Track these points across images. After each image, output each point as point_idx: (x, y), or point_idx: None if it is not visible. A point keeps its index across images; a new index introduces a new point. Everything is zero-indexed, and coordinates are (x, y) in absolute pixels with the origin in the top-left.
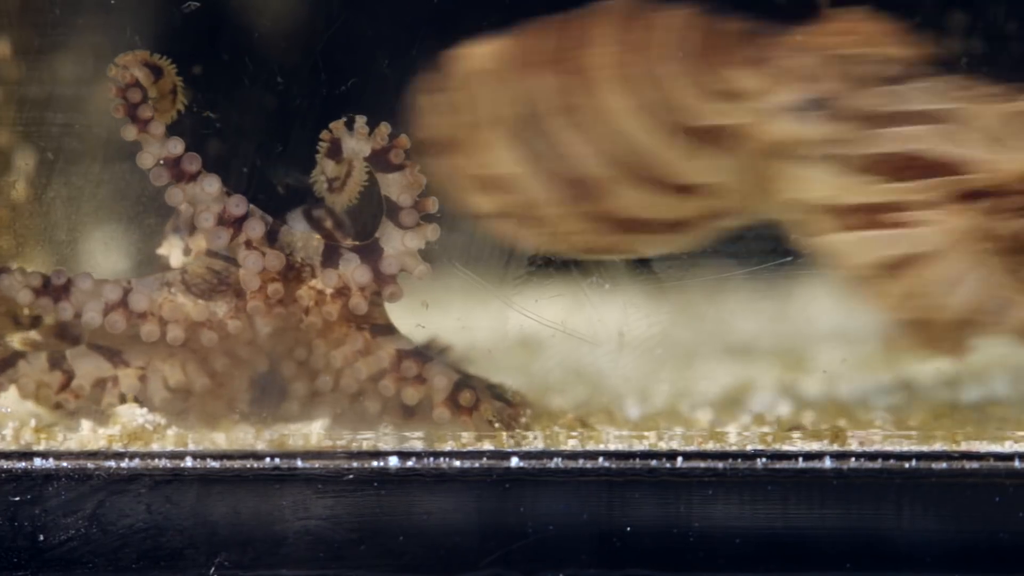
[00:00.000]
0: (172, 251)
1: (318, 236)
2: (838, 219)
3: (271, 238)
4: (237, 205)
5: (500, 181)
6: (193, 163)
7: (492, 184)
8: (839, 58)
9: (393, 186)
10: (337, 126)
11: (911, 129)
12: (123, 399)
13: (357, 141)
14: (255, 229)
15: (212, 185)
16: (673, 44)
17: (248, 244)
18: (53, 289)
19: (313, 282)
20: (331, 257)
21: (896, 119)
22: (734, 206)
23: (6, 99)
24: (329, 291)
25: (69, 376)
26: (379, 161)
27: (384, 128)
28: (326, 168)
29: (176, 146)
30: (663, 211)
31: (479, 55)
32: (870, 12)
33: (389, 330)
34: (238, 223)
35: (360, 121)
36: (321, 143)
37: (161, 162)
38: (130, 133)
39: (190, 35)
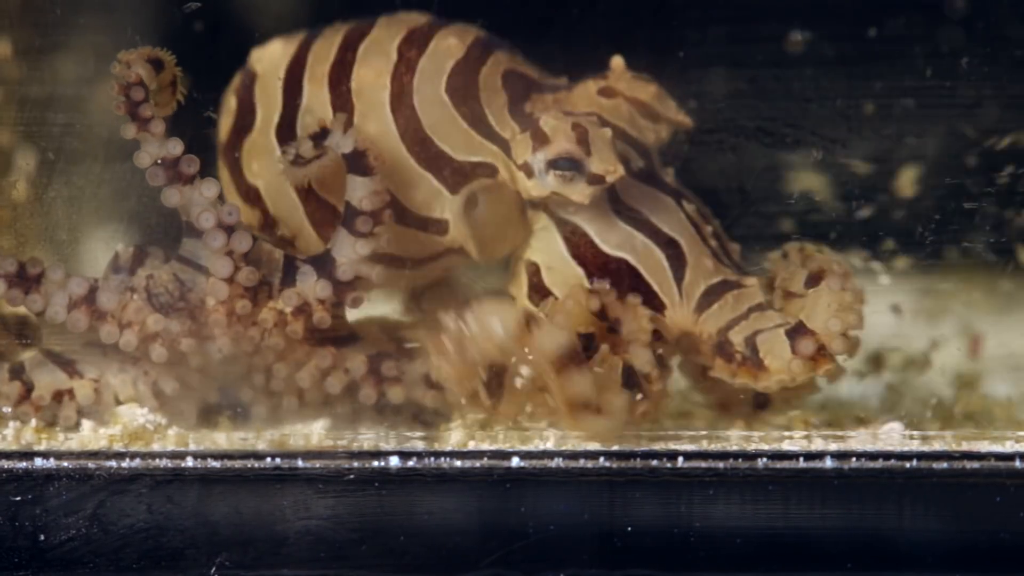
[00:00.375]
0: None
1: (279, 250)
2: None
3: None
4: (229, 214)
5: (255, 192)
6: (191, 165)
7: (251, 194)
8: (611, 118)
9: (359, 190)
10: (337, 119)
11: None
12: (79, 412)
13: (344, 137)
14: (242, 243)
15: (211, 190)
16: (444, 72)
17: (229, 254)
18: (26, 279)
19: (272, 303)
20: (289, 272)
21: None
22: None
23: (7, 99)
24: (289, 310)
25: (28, 387)
26: (356, 162)
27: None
28: (303, 146)
29: (175, 147)
30: (408, 245)
31: (266, 57)
32: (648, 77)
33: (353, 339)
34: (228, 231)
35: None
36: (311, 125)
37: (159, 162)
38: (130, 131)
39: (191, 34)
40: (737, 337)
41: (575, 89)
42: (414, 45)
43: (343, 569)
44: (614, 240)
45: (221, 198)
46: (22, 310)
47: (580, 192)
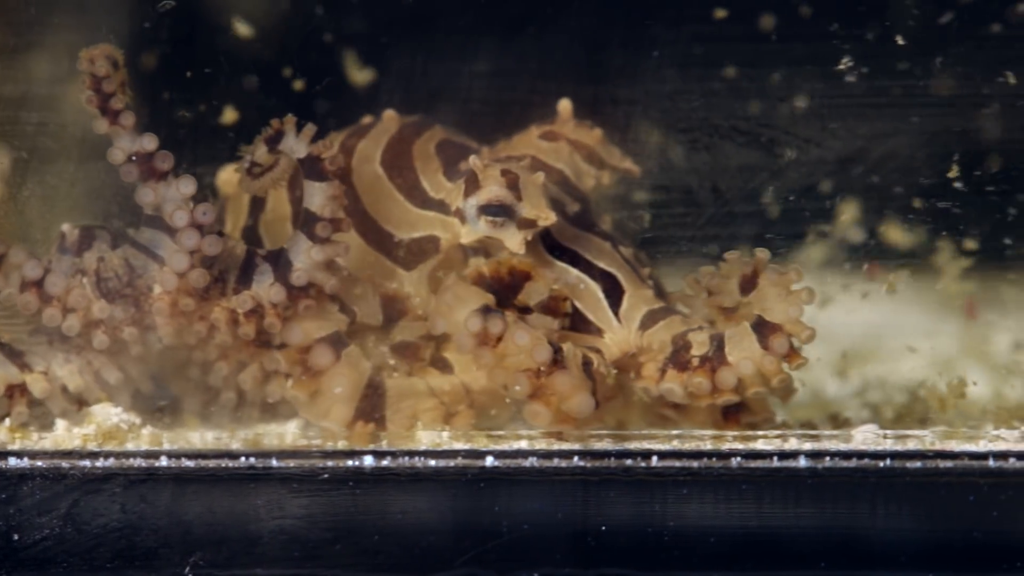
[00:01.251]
0: None
1: (242, 245)
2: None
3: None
4: (204, 214)
5: None
6: (165, 161)
7: None
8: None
9: (318, 195)
10: (288, 121)
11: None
12: (31, 405)
13: (298, 141)
14: (213, 246)
15: (188, 187)
16: (379, 147)
17: (193, 253)
18: None
19: (225, 302)
20: (248, 267)
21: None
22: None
23: None
24: (242, 312)
25: None
26: (311, 168)
27: (329, 141)
28: (257, 151)
29: (149, 142)
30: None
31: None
32: (592, 124)
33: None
34: (199, 230)
35: (309, 127)
36: (266, 128)
37: (132, 158)
38: (101, 127)
39: (165, 34)
40: (698, 337)
41: (515, 136)
42: (357, 134)
43: (317, 568)
44: (548, 276)
45: (195, 197)
46: None
47: (512, 237)
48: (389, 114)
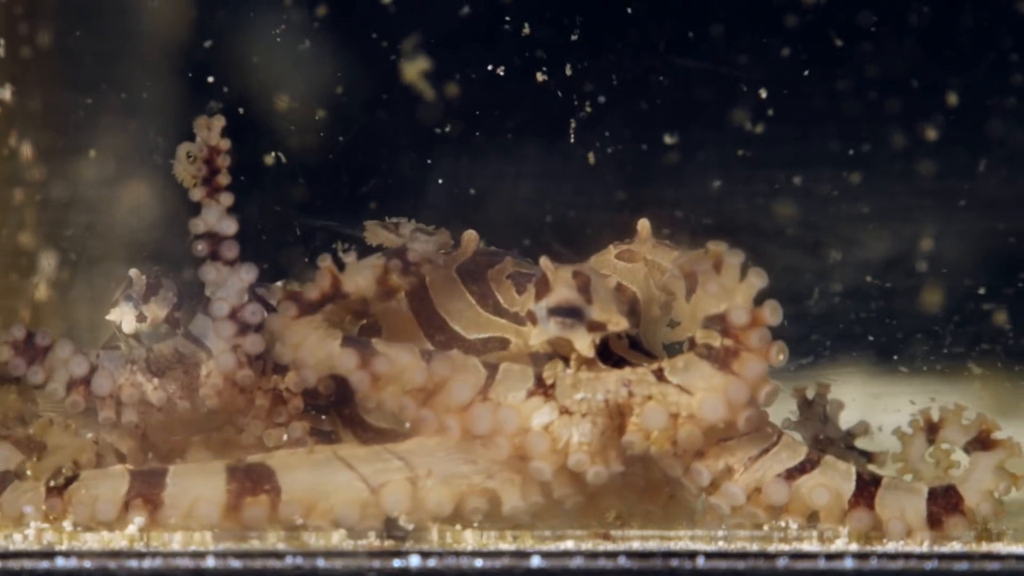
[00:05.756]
0: (124, 317)
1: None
2: None
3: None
4: (253, 314)
5: None
6: (231, 251)
7: None
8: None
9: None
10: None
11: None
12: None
13: (425, 241)
14: (255, 345)
15: (249, 274)
16: (454, 262)
17: (235, 349)
18: (33, 349)
19: (269, 381)
20: None
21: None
22: None
23: (28, 200)
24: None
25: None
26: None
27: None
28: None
29: (230, 227)
30: None
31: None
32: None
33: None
34: (243, 329)
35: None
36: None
37: (211, 234)
38: (197, 194)
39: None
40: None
41: (593, 257)
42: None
43: None
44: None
45: (254, 291)
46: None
47: (581, 339)
48: (470, 234)
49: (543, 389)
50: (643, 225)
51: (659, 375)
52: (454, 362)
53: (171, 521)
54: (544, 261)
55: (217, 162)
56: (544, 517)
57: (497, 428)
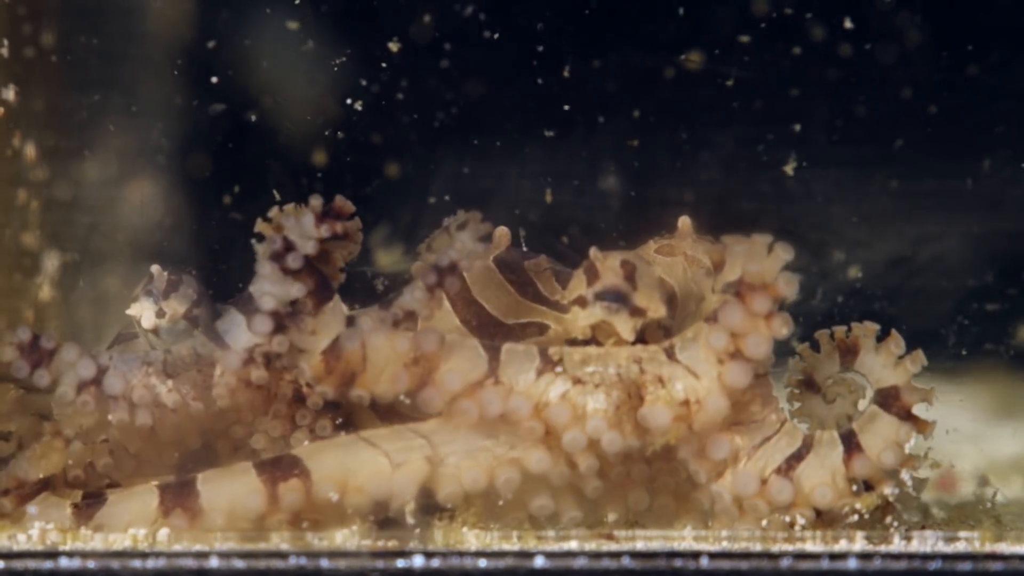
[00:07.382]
0: (144, 313)
1: None
2: None
3: None
4: (292, 317)
5: None
6: (296, 262)
7: None
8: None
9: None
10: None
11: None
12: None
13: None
14: (281, 345)
15: (300, 290)
16: (490, 254)
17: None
18: (39, 352)
19: (290, 376)
20: None
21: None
22: None
23: (32, 200)
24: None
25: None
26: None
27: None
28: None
29: (309, 245)
30: None
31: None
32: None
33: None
34: (279, 328)
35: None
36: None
37: (287, 240)
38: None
39: (215, 137)
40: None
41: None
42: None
43: None
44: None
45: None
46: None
47: (624, 323)
48: (502, 230)
49: (551, 365)
50: (684, 221)
51: (669, 352)
52: (451, 342)
53: (217, 524)
54: (594, 251)
55: (304, 249)
56: (565, 506)
57: (513, 410)
